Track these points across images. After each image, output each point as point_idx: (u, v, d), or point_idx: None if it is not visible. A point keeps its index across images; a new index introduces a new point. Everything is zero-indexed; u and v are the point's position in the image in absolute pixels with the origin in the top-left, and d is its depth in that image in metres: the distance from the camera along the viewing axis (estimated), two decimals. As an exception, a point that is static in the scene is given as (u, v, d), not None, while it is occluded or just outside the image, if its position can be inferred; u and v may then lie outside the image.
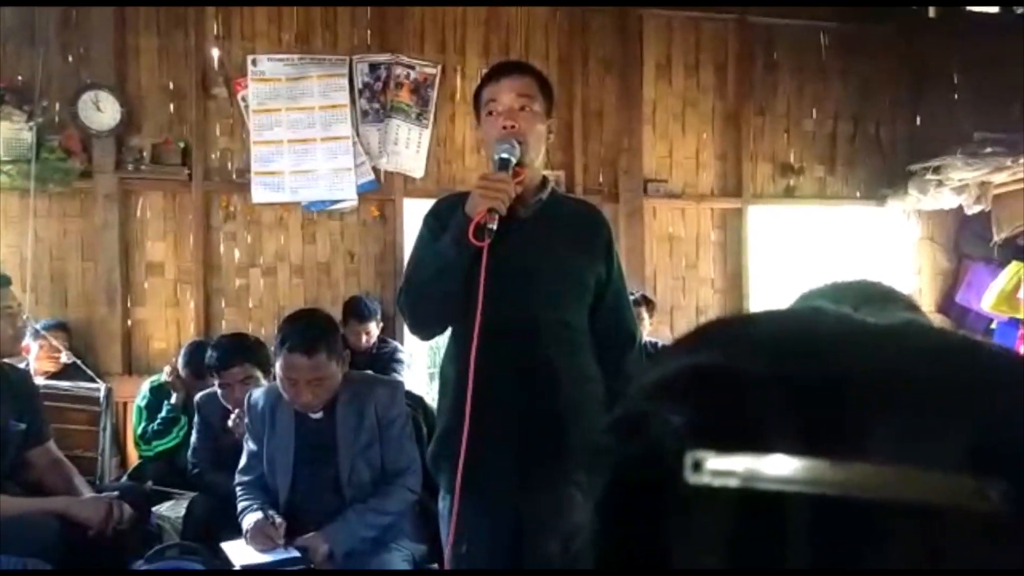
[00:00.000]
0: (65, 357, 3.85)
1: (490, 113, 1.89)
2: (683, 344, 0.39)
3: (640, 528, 0.33)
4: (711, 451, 0.31)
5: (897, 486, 0.29)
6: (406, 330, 4.24)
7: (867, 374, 0.32)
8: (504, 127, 1.85)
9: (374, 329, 4.36)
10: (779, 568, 0.30)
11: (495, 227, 1.75)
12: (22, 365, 3.10)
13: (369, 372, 3.06)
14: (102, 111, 4.37)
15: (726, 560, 0.30)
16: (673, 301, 5.14)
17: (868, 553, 0.29)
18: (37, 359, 3.87)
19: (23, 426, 2.59)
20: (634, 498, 0.33)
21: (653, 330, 4.60)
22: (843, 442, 0.30)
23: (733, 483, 0.30)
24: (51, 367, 3.90)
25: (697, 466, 0.31)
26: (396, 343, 4.54)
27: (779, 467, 0.30)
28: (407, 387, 2.99)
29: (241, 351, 3.04)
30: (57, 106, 4.42)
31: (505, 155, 1.81)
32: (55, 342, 3.93)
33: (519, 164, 1.83)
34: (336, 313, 4.21)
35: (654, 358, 0.40)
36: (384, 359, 4.31)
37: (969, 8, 5.35)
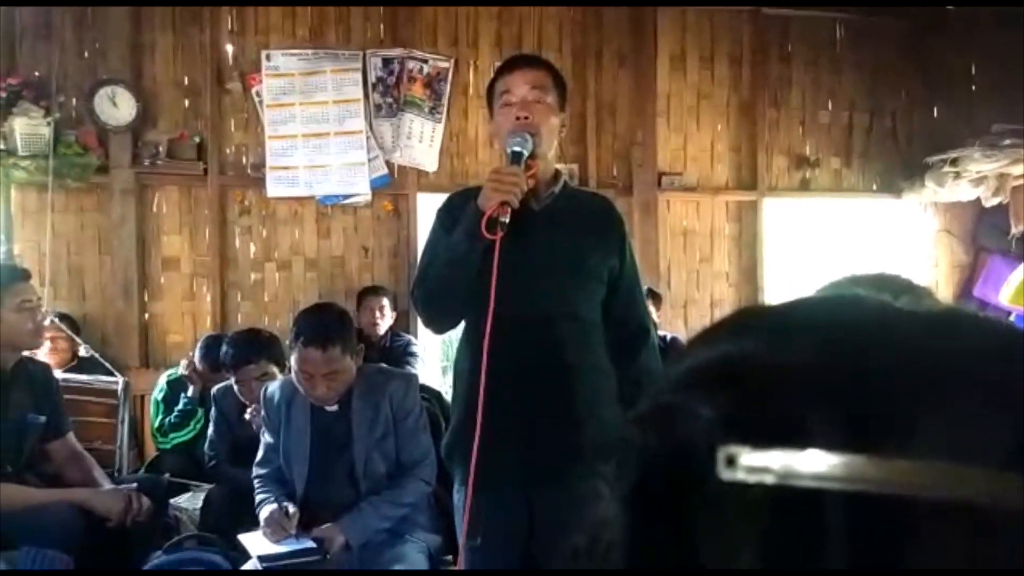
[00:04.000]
0: (84, 351, 3.88)
1: (504, 104, 1.89)
2: (713, 334, 0.37)
3: (669, 524, 0.32)
4: (744, 446, 0.29)
5: (943, 484, 0.27)
6: (420, 324, 4.30)
7: (912, 365, 0.31)
8: (517, 118, 1.85)
9: (387, 305, 4.43)
10: (815, 568, 0.28)
11: (507, 220, 1.75)
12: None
13: (383, 365, 3.08)
14: (118, 106, 4.40)
15: (760, 559, 0.29)
16: (687, 295, 5.12)
17: (909, 555, 0.28)
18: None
19: (43, 419, 2.62)
20: (663, 493, 0.32)
21: (666, 323, 4.59)
22: (886, 438, 0.29)
23: (769, 480, 0.29)
24: (55, 359, 3.85)
25: (731, 461, 0.29)
26: (410, 336, 4.57)
27: (817, 463, 0.28)
28: (421, 381, 3.00)
29: (256, 348, 3.06)
30: (74, 101, 4.46)
31: (517, 148, 1.81)
32: (70, 333, 3.95)
33: (531, 157, 1.83)
34: (351, 307, 4.25)
35: (682, 349, 0.39)
36: (398, 352, 4.34)
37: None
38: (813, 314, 0.36)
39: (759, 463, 0.29)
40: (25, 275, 2.69)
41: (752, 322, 0.37)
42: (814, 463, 0.28)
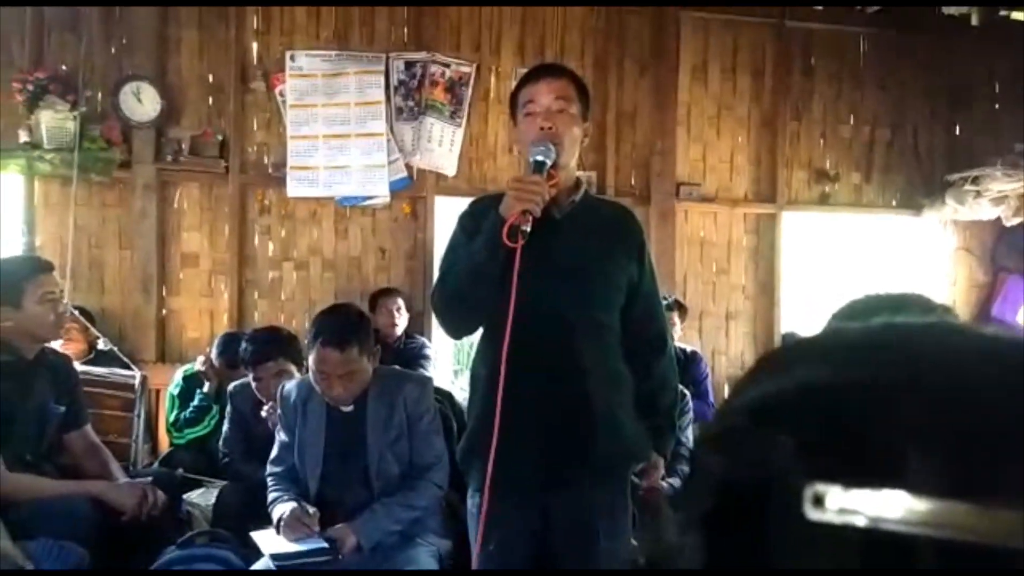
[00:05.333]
0: (102, 344, 3.91)
1: (528, 114, 1.90)
2: (786, 358, 0.35)
3: (747, 548, 0.31)
4: (827, 478, 0.27)
5: None
6: (433, 326, 4.33)
7: (1015, 403, 0.29)
8: (541, 128, 1.86)
9: (403, 305, 4.45)
10: None
11: (529, 229, 1.76)
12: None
13: (398, 367, 3.09)
14: (143, 102, 4.44)
15: None
16: (703, 306, 5.11)
17: None
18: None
19: (63, 409, 2.65)
20: (742, 518, 0.31)
21: (682, 335, 4.58)
22: (985, 484, 0.27)
23: (858, 523, 0.27)
24: (72, 352, 3.83)
25: (819, 501, 0.27)
26: (424, 339, 4.59)
27: (909, 508, 0.26)
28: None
29: (275, 346, 3.09)
30: (99, 96, 4.51)
31: (540, 157, 1.82)
32: (88, 326, 3.98)
33: (553, 166, 1.84)
34: (366, 307, 4.28)
35: (753, 369, 0.37)
36: (411, 354, 4.36)
37: (1012, 16, 5.27)
38: (900, 342, 0.34)
39: (848, 504, 0.27)
40: (48, 267, 2.71)
41: (832, 347, 0.35)
42: (906, 507, 0.26)
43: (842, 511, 0.27)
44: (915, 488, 0.27)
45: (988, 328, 0.34)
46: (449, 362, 5.58)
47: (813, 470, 0.28)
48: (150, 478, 2.69)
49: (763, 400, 0.33)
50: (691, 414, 3.63)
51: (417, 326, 4.67)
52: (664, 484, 2.05)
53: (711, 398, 4.42)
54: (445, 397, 3.16)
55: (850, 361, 0.32)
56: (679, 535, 0.34)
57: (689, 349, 4.47)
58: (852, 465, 0.28)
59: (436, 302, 1.96)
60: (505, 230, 1.75)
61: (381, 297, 4.50)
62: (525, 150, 1.90)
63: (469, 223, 1.94)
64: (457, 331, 2.04)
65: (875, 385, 0.30)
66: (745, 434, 0.32)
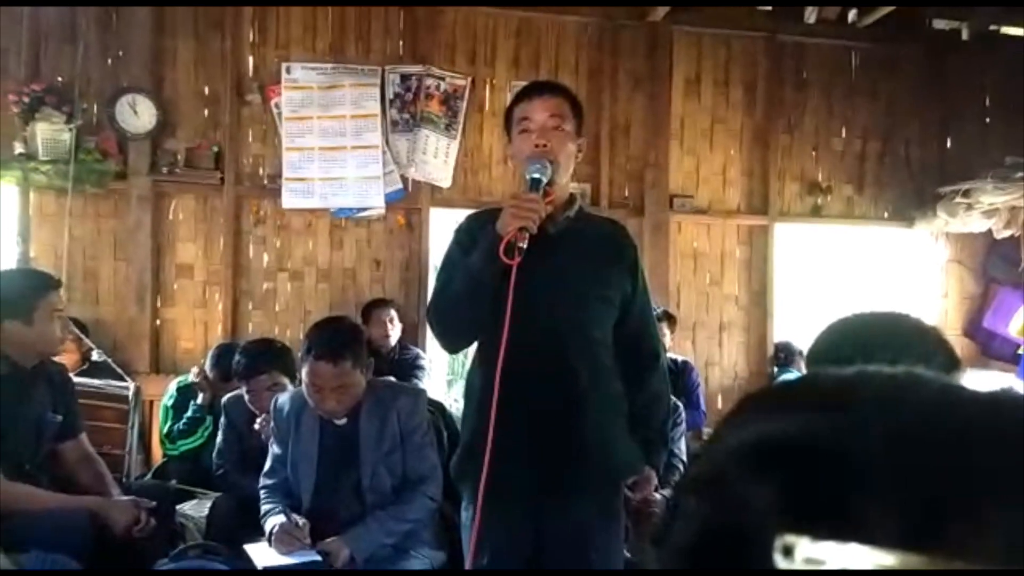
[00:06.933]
0: (96, 355, 3.90)
1: (523, 131, 1.92)
2: (777, 400, 0.36)
3: None
4: (802, 531, 0.28)
5: None
6: (428, 337, 4.34)
7: (979, 460, 0.29)
8: (536, 145, 1.88)
9: (395, 315, 4.47)
10: None
11: (525, 245, 1.78)
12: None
13: (391, 379, 3.10)
14: (138, 114, 4.46)
15: None
16: (696, 317, 5.13)
17: None
18: None
19: (60, 418, 2.65)
20: (714, 563, 0.32)
21: (675, 345, 4.60)
22: (949, 537, 0.28)
23: (825, 570, 0.28)
24: (65, 362, 3.84)
25: (788, 551, 0.28)
26: (418, 350, 4.60)
27: (875, 560, 0.27)
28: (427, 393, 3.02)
29: (268, 358, 3.09)
30: (95, 108, 4.52)
31: (537, 175, 1.84)
32: (83, 337, 3.97)
33: (549, 183, 1.86)
34: (359, 319, 4.29)
35: (734, 411, 0.37)
36: (406, 365, 4.37)
37: (1002, 30, 5.33)
38: (879, 394, 0.34)
39: (815, 555, 0.28)
40: (58, 284, 2.73)
41: (818, 393, 0.35)
42: (871, 559, 0.27)
43: (809, 561, 0.28)
44: (879, 540, 0.28)
45: (955, 378, 0.35)
46: (443, 372, 5.59)
47: (789, 519, 0.29)
48: (154, 503, 2.66)
49: (744, 447, 0.33)
50: (683, 425, 3.64)
51: (412, 337, 4.68)
52: (657, 496, 2.06)
53: (703, 407, 4.44)
54: (437, 408, 3.16)
55: (825, 411, 0.33)
56: (658, 569, 0.35)
57: (680, 359, 4.48)
58: (825, 517, 0.29)
59: (432, 317, 1.98)
60: (502, 247, 1.77)
61: (374, 308, 4.51)
62: (520, 166, 1.92)
63: (465, 238, 1.96)
64: (453, 345, 2.06)
65: (844, 439, 0.31)
66: (725, 480, 0.33)
